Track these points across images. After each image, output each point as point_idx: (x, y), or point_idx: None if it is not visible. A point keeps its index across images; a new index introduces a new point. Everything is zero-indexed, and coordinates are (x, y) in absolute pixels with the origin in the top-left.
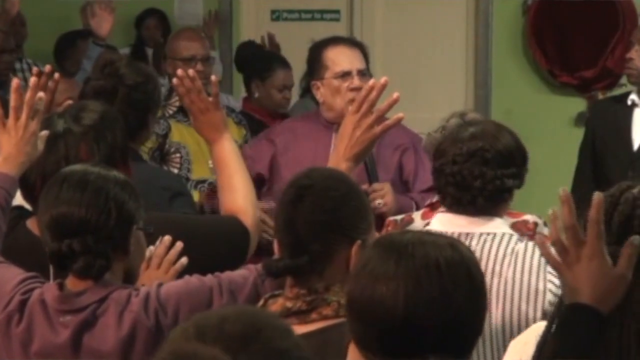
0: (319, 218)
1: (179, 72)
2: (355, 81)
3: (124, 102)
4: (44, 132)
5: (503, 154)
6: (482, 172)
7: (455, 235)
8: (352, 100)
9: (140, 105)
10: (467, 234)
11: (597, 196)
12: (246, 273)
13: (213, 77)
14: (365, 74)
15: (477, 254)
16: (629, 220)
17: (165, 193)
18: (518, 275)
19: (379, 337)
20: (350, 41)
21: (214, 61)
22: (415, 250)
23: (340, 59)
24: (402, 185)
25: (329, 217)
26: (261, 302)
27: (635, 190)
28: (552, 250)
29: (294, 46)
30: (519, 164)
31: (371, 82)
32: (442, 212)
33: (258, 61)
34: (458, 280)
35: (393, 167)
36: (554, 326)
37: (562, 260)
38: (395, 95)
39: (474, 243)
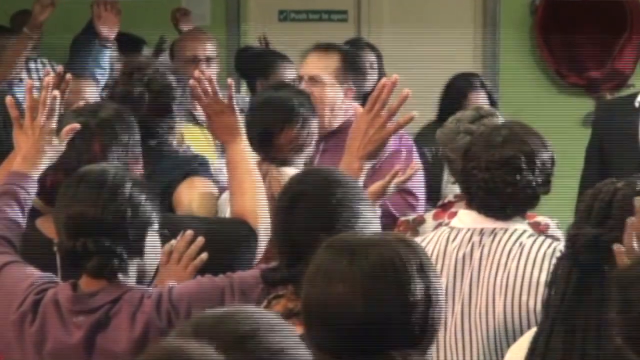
0: (314, 224)
1: (196, 73)
2: (302, 87)
3: (150, 108)
4: (70, 126)
5: (534, 161)
6: (514, 180)
7: (470, 232)
8: None
9: (166, 110)
10: (482, 230)
11: None
12: (258, 273)
13: (229, 80)
14: (318, 80)
15: (487, 249)
16: (608, 207)
17: None
18: (521, 268)
19: (341, 338)
20: (328, 46)
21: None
22: (369, 248)
23: (303, 64)
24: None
25: (324, 222)
26: (265, 303)
27: (619, 184)
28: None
29: (301, 47)
30: (548, 170)
31: (383, 80)
32: (464, 210)
33: (259, 61)
34: (412, 276)
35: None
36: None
37: None
38: (406, 91)
39: (485, 237)
